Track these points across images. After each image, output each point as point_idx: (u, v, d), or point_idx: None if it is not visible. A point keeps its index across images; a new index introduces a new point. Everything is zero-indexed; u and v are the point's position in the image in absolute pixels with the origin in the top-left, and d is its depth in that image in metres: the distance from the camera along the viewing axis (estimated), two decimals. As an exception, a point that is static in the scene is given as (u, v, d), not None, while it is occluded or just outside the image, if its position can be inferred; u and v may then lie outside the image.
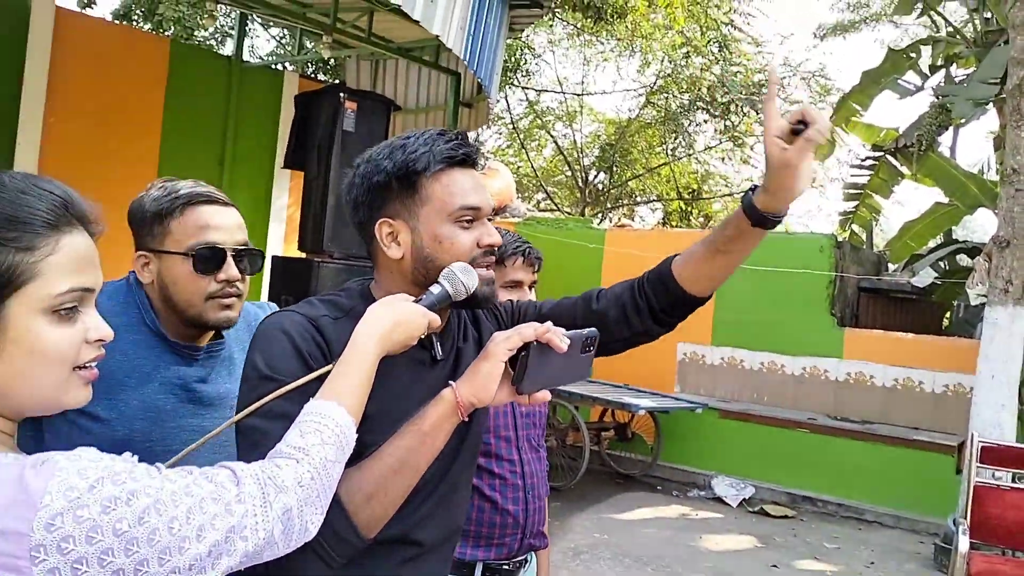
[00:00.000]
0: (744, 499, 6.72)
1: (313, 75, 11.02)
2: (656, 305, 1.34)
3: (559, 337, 1.12)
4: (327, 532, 1.05)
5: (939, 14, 8.45)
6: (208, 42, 11.54)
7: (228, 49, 11.36)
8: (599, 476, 7.20)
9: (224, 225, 1.42)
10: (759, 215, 1.21)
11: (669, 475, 7.32)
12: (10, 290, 0.84)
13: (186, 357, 1.43)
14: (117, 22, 10.53)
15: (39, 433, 1.28)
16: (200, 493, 0.87)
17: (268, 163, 8.68)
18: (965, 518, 4.42)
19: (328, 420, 1.02)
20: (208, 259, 1.39)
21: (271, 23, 11.86)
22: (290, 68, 9.48)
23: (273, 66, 9.67)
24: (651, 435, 7.41)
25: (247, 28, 8.87)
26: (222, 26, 11.75)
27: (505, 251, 2.03)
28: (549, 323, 1.15)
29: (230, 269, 1.41)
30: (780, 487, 6.87)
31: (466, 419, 1.15)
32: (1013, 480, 4.65)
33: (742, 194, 1.27)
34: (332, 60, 10.10)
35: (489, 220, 1.28)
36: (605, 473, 7.37)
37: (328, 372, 1.10)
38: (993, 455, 4.58)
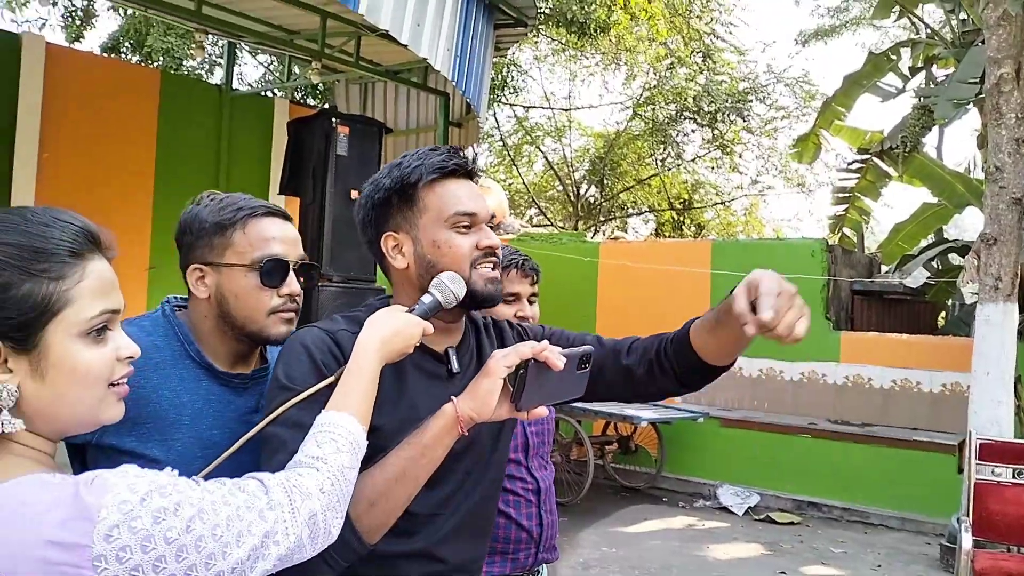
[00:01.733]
0: (750, 507, 6.74)
1: (302, 100, 11.11)
2: (677, 369, 1.34)
3: (556, 356, 1.16)
4: (335, 541, 1.08)
5: (917, 17, 8.57)
6: (197, 71, 11.63)
7: (217, 78, 11.46)
8: (604, 490, 7.21)
9: (287, 238, 1.38)
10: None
11: (674, 486, 7.34)
12: (48, 317, 0.89)
13: (235, 388, 1.38)
14: (106, 55, 10.62)
15: None
16: (236, 502, 0.92)
17: (262, 189, 8.72)
18: (967, 516, 4.45)
19: (341, 429, 1.08)
20: (274, 272, 1.34)
21: (259, 50, 11.97)
22: (279, 94, 9.55)
23: (263, 93, 9.74)
24: (654, 447, 7.43)
25: (235, 56, 8.95)
26: (210, 55, 11.86)
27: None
28: (546, 342, 1.19)
29: (293, 284, 1.37)
30: (785, 494, 6.89)
31: (465, 433, 1.18)
32: (1013, 476, 4.68)
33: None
34: (321, 85, 10.18)
35: (490, 227, 1.32)
36: (610, 487, 7.38)
37: (334, 381, 1.15)
38: (992, 452, 4.61)
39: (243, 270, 1.34)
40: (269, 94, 9.51)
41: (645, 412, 6.74)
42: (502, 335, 1.44)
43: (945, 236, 9.38)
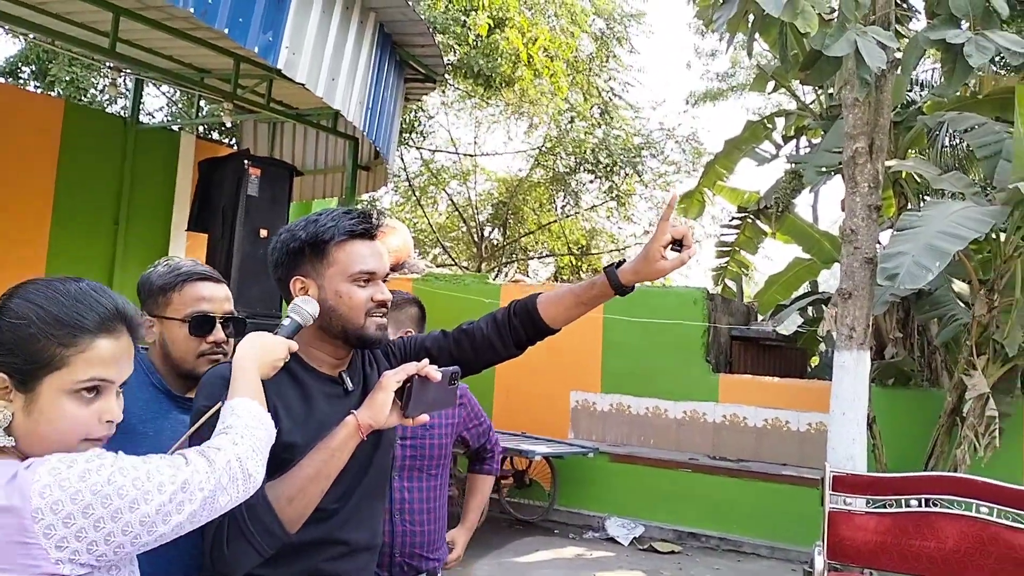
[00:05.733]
0: (635, 538, 7.15)
1: (208, 135, 11.09)
2: (523, 335, 1.70)
3: (434, 371, 1.49)
4: (259, 527, 1.36)
5: (790, 91, 9.46)
6: (98, 98, 11.44)
7: (119, 107, 11.29)
8: (499, 523, 7.47)
9: (215, 297, 1.77)
10: (622, 287, 1.63)
11: (565, 518, 7.68)
12: (46, 372, 1.13)
13: (187, 408, 1.69)
14: (3, 80, 10.33)
15: None
16: (156, 463, 1.14)
17: (164, 223, 8.69)
18: (822, 542, 4.96)
19: (235, 405, 1.33)
20: (201, 325, 1.73)
21: (163, 83, 11.87)
22: (186, 129, 9.55)
23: (169, 127, 9.72)
24: (547, 481, 7.76)
25: (142, 89, 8.92)
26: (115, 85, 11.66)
27: None
28: (426, 360, 1.51)
29: (218, 333, 1.75)
30: (667, 524, 7.34)
31: (364, 438, 1.47)
32: (867, 505, 5.23)
33: (610, 265, 1.68)
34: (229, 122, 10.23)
35: (384, 281, 1.63)
36: (505, 520, 7.65)
37: (221, 406, 1.38)
38: (844, 483, 5.14)
39: (177, 323, 1.73)
40: (175, 128, 9.49)
41: (539, 447, 7.07)
42: (375, 354, 1.74)
43: (820, 288, 10.23)
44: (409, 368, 1.48)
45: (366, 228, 1.59)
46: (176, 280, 1.75)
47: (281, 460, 1.43)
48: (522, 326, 1.69)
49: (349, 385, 1.61)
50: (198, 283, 1.77)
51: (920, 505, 4.97)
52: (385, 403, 1.46)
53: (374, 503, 1.66)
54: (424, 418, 1.53)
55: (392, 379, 1.47)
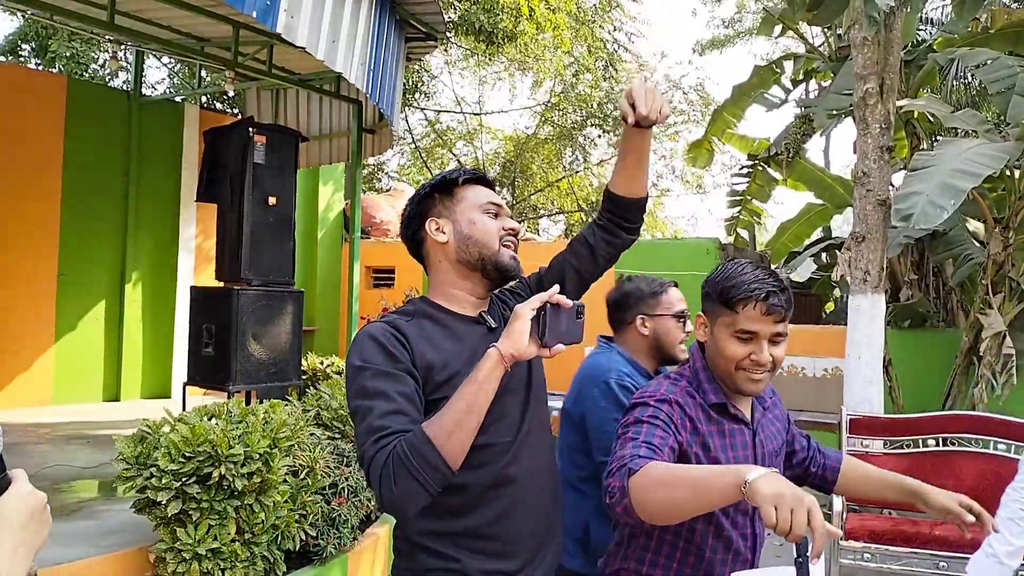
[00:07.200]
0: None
1: (211, 105, 11.03)
2: (615, 216, 1.80)
3: (564, 298, 1.51)
4: (424, 464, 1.39)
5: (798, 33, 9.28)
6: (100, 73, 11.38)
7: (121, 82, 11.24)
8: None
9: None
10: (637, 122, 1.62)
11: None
12: None
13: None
14: (3, 59, 10.29)
15: None
16: None
17: (173, 195, 8.70)
18: (840, 483, 5.00)
19: None
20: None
21: (164, 54, 11.79)
22: (189, 100, 9.50)
23: (172, 99, 9.68)
24: (565, 436, 7.83)
25: (143, 61, 8.86)
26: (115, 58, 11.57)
27: None
28: (556, 287, 1.53)
29: None
30: (685, 474, 7.40)
31: (508, 368, 1.47)
32: (885, 447, 5.25)
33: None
34: (232, 91, 10.17)
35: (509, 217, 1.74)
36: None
37: None
38: (860, 426, 5.18)
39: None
40: (178, 99, 9.45)
41: (555, 403, 7.11)
42: (505, 299, 1.82)
43: (833, 233, 10.14)
44: (541, 296, 1.50)
45: (484, 177, 1.75)
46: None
47: (444, 397, 1.48)
48: (609, 212, 1.80)
49: (492, 323, 1.68)
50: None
51: (938, 444, 4.99)
52: (523, 331, 1.47)
53: (540, 439, 1.72)
54: (560, 348, 1.52)
55: (526, 307, 1.49)
